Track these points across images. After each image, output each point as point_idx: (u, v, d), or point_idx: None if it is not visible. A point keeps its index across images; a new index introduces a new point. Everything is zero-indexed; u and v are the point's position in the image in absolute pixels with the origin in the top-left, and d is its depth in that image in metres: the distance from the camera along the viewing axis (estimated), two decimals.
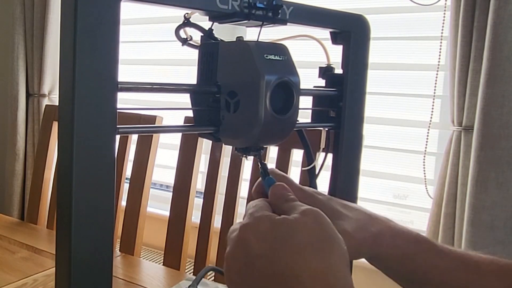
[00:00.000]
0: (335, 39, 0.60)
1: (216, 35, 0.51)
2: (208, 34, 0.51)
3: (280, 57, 0.47)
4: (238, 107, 0.46)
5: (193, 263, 1.17)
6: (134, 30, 2.13)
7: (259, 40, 0.48)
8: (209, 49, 0.49)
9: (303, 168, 0.94)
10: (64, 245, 0.38)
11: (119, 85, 0.39)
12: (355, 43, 0.59)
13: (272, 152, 1.17)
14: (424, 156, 1.45)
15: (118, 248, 1.23)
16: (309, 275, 0.37)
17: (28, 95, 2.14)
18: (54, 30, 2.04)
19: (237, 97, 0.46)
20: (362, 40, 0.60)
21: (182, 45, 0.52)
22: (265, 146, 0.51)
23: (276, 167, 0.84)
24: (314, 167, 0.61)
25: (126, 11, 2.01)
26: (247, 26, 0.52)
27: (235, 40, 0.48)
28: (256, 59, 0.45)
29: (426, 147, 1.45)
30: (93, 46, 0.37)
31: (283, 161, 1.08)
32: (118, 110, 0.39)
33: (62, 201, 0.39)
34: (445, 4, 1.37)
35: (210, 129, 0.49)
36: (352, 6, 1.62)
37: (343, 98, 0.59)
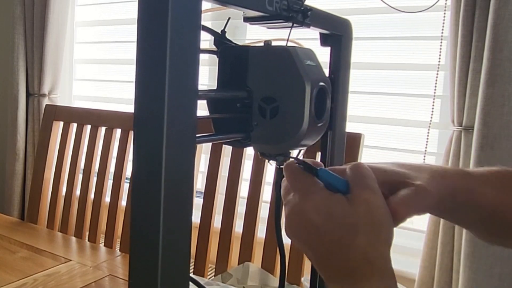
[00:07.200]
0: (325, 41, 0.61)
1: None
2: (222, 37, 0.49)
3: (313, 63, 0.47)
4: (276, 113, 0.45)
5: (193, 263, 1.17)
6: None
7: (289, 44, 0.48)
8: (235, 53, 0.47)
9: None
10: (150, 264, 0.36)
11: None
12: (344, 45, 0.61)
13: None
14: (424, 156, 1.45)
15: (118, 248, 1.23)
16: (354, 249, 0.42)
17: (28, 94, 2.14)
18: (54, 29, 2.04)
19: (275, 103, 0.45)
20: (349, 43, 0.63)
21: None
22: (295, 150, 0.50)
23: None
24: None
25: (129, 10, 1.98)
26: (268, 28, 0.52)
27: (263, 44, 0.47)
28: (299, 65, 0.44)
29: (426, 147, 1.45)
30: (178, 54, 0.34)
31: None
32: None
33: (144, 221, 0.36)
34: (445, 4, 1.37)
35: (240, 135, 0.47)
36: (350, 6, 1.62)
37: (333, 99, 0.59)
